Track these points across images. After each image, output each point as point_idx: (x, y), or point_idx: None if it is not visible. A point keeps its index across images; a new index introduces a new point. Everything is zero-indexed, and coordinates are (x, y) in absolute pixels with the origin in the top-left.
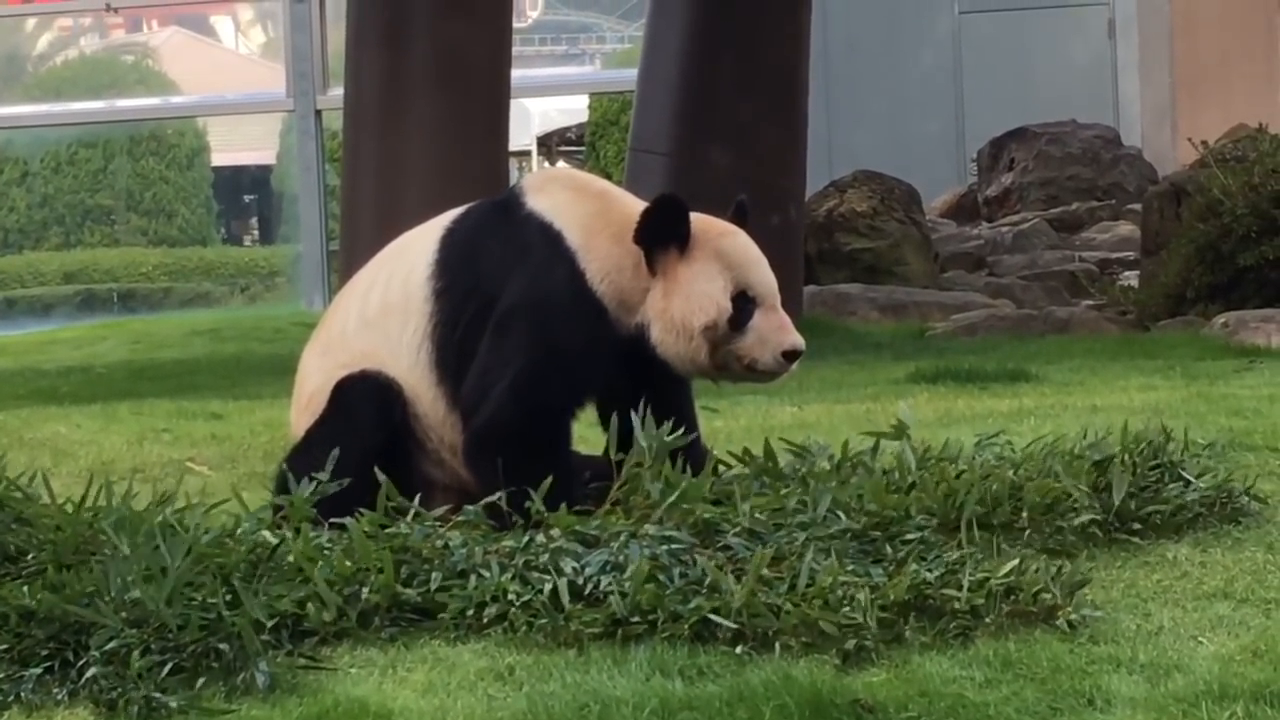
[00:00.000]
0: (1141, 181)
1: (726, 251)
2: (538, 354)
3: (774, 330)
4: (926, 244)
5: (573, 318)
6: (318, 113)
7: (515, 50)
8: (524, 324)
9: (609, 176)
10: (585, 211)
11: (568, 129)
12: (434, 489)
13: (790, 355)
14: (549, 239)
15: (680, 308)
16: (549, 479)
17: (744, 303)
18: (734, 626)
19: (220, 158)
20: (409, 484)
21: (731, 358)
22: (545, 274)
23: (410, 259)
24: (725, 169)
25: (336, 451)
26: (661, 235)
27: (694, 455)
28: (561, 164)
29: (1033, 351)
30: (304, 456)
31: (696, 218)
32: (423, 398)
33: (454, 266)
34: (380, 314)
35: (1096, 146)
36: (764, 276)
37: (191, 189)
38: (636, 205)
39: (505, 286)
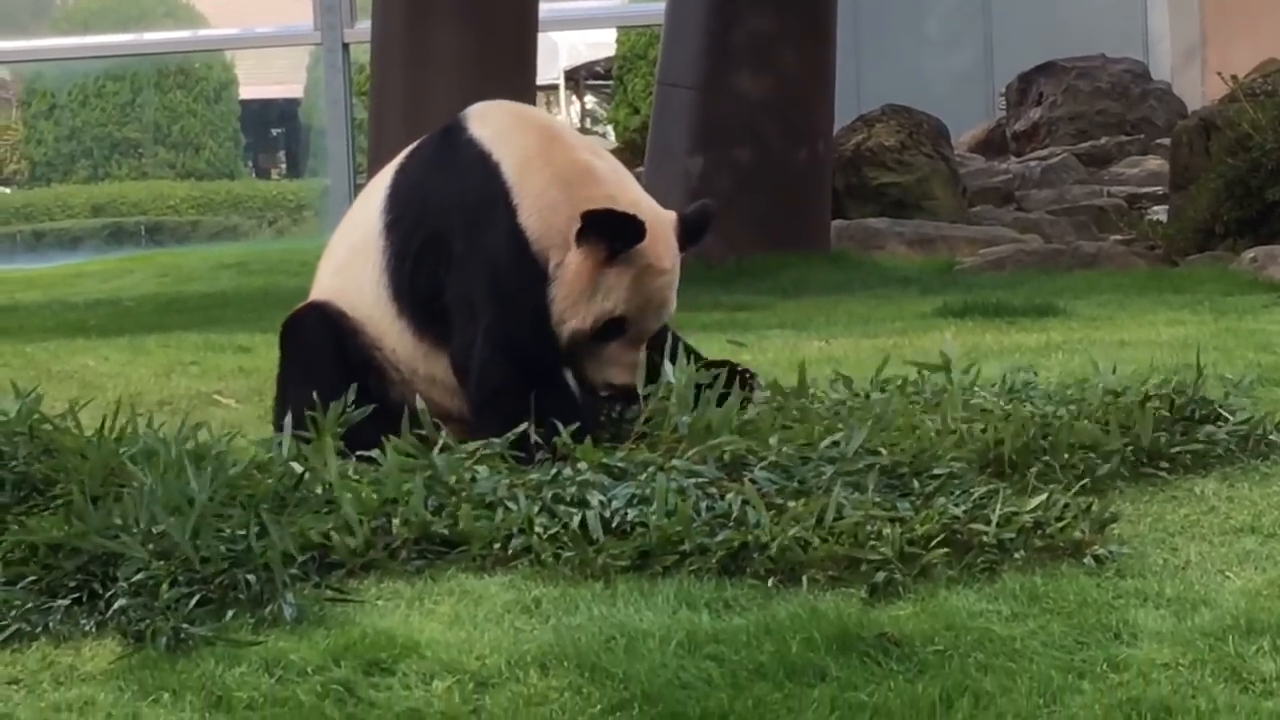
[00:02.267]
0: (1170, 116)
1: (642, 284)
2: (492, 305)
3: (617, 364)
4: (954, 178)
5: (515, 260)
6: (345, 46)
7: None
8: (478, 273)
9: (637, 111)
10: (525, 144)
11: (595, 63)
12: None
13: (609, 388)
14: (489, 170)
15: (571, 299)
16: (559, 418)
17: (613, 328)
18: (763, 561)
19: (248, 91)
20: (383, 413)
21: (580, 360)
22: (488, 212)
23: (370, 200)
24: (753, 103)
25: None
26: (604, 235)
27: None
28: (589, 98)
29: (1061, 286)
30: (279, 404)
31: (654, 236)
32: (388, 332)
33: (402, 199)
34: (348, 257)
35: (1125, 81)
36: (649, 319)
37: (219, 122)
38: (579, 148)
39: (452, 220)
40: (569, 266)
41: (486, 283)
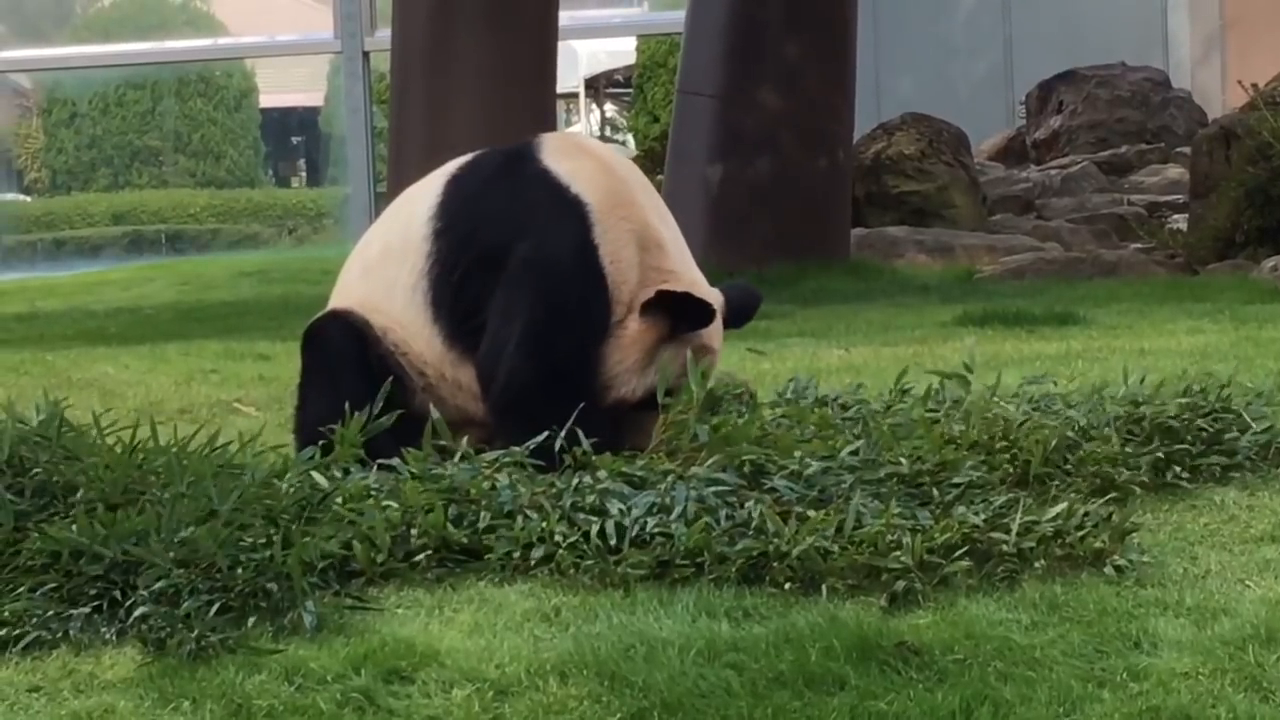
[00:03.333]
0: (1191, 124)
1: (692, 363)
2: (542, 312)
3: (644, 431)
4: (974, 187)
5: (579, 277)
6: (365, 54)
7: None
8: (531, 282)
9: (656, 119)
10: (608, 188)
11: (615, 71)
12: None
13: (633, 447)
14: (567, 201)
15: (625, 366)
16: (583, 429)
17: (652, 400)
18: (783, 569)
19: (268, 99)
20: (404, 420)
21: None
22: (558, 233)
23: (413, 206)
24: (773, 111)
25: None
26: (675, 316)
27: None
28: (609, 106)
29: (1080, 294)
30: (300, 412)
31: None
32: (417, 336)
33: (456, 210)
34: (380, 259)
35: (1146, 89)
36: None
37: (239, 131)
38: (649, 209)
39: (512, 240)
40: (629, 331)
41: (538, 295)
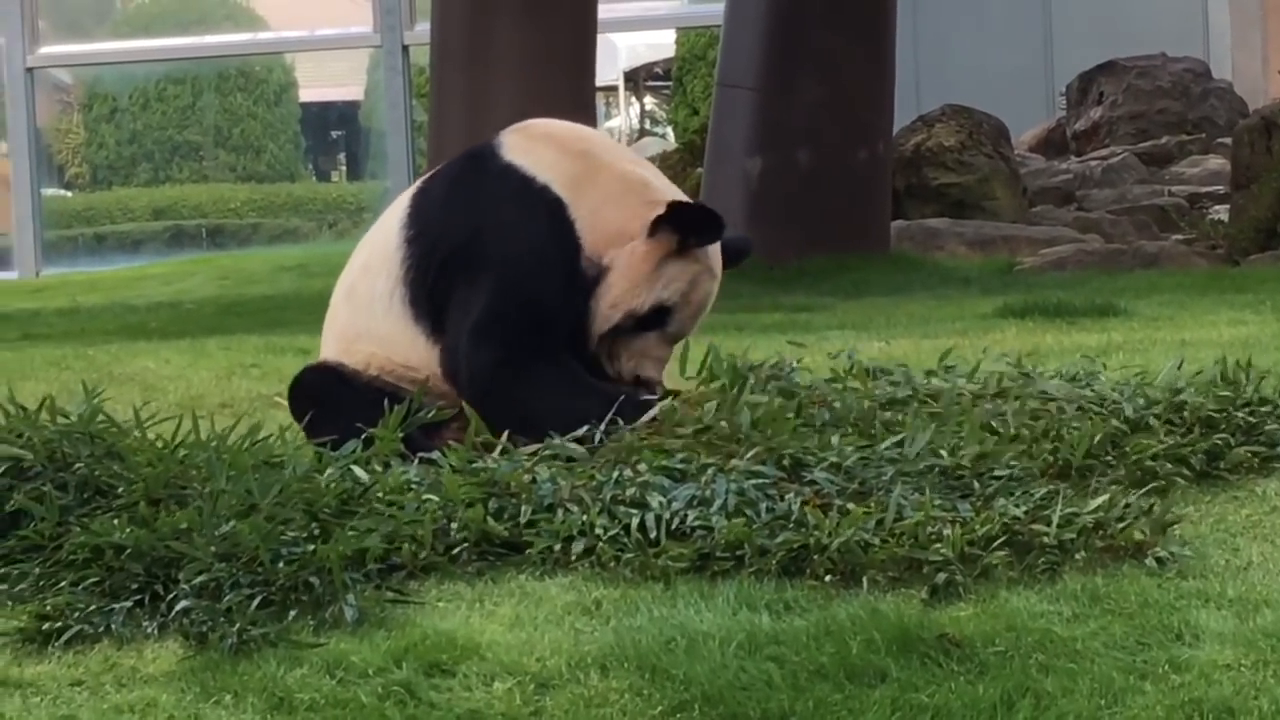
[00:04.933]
0: (1232, 115)
1: (696, 283)
2: (498, 301)
3: (651, 356)
4: (1015, 178)
5: (539, 264)
6: (404, 48)
7: None
8: (489, 273)
9: (696, 112)
10: (568, 164)
11: (654, 64)
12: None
13: (637, 381)
14: (531, 191)
15: (632, 282)
16: (552, 411)
17: (658, 318)
18: (825, 559)
19: (308, 94)
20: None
21: (615, 348)
22: (518, 224)
23: (387, 222)
24: (812, 103)
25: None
26: (683, 228)
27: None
28: (649, 99)
29: (1121, 286)
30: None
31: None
32: (400, 343)
33: (426, 216)
34: (361, 276)
35: (1186, 80)
36: (690, 320)
37: (279, 125)
38: (626, 163)
39: (476, 235)
40: (633, 253)
41: (495, 285)
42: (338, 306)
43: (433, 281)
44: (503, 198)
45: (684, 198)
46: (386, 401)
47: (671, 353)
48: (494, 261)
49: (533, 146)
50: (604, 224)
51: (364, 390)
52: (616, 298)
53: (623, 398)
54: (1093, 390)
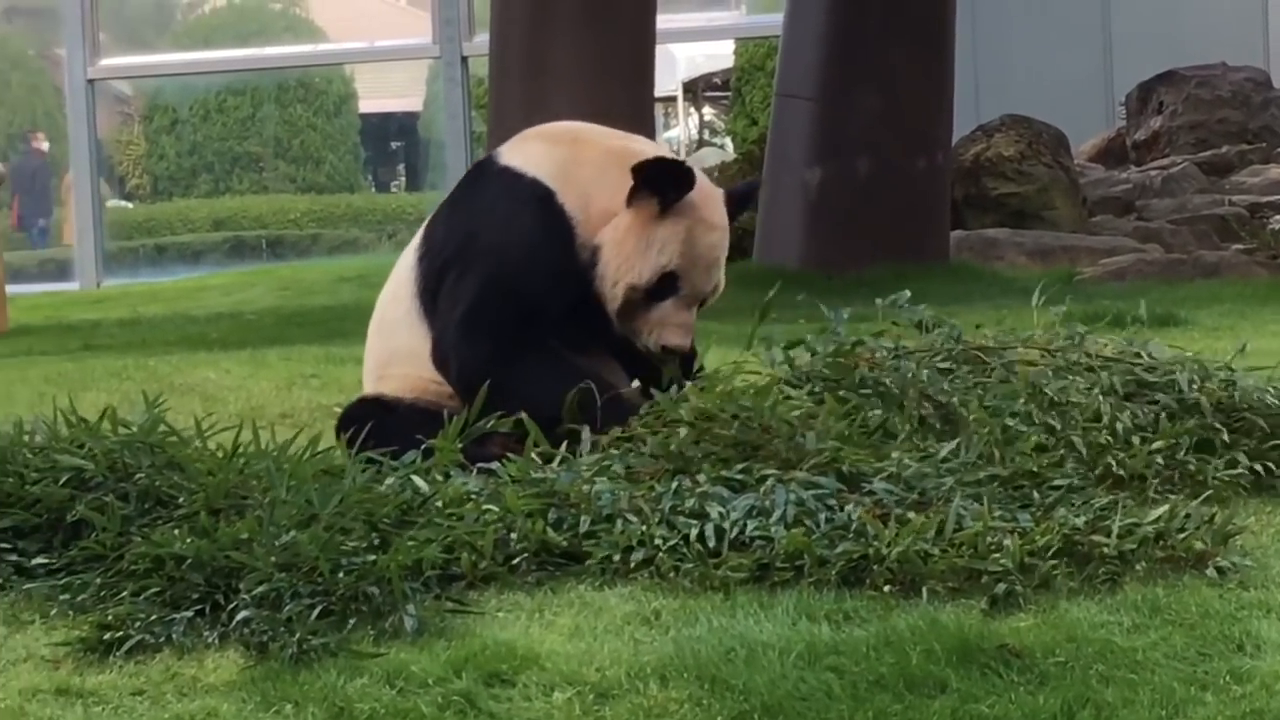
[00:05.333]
0: None
1: (694, 239)
2: (486, 290)
3: (671, 324)
4: (1074, 188)
5: (529, 245)
6: (463, 59)
7: None
8: (477, 262)
9: (755, 123)
10: (557, 152)
11: (713, 74)
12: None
13: (667, 350)
14: (521, 186)
15: (624, 255)
16: (540, 401)
17: (667, 284)
18: (885, 569)
19: (367, 105)
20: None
21: (634, 323)
22: (507, 216)
23: (406, 252)
24: (871, 113)
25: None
26: (656, 185)
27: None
28: (707, 110)
29: (1182, 296)
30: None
31: (703, 194)
32: (423, 355)
33: (431, 233)
34: (387, 305)
35: (1247, 89)
36: (703, 277)
37: (339, 136)
38: (614, 138)
39: (473, 235)
40: (619, 228)
41: (482, 274)
42: (371, 339)
43: (435, 287)
44: (495, 197)
45: (664, 154)
46: (427, 419)
47: (694, 314)
48: (481, 254)
49: (524, 146)
50: (593, 204)
51: (407, 414)
52: (615, 275)
53: (606, 398)
54: (1147, 357)
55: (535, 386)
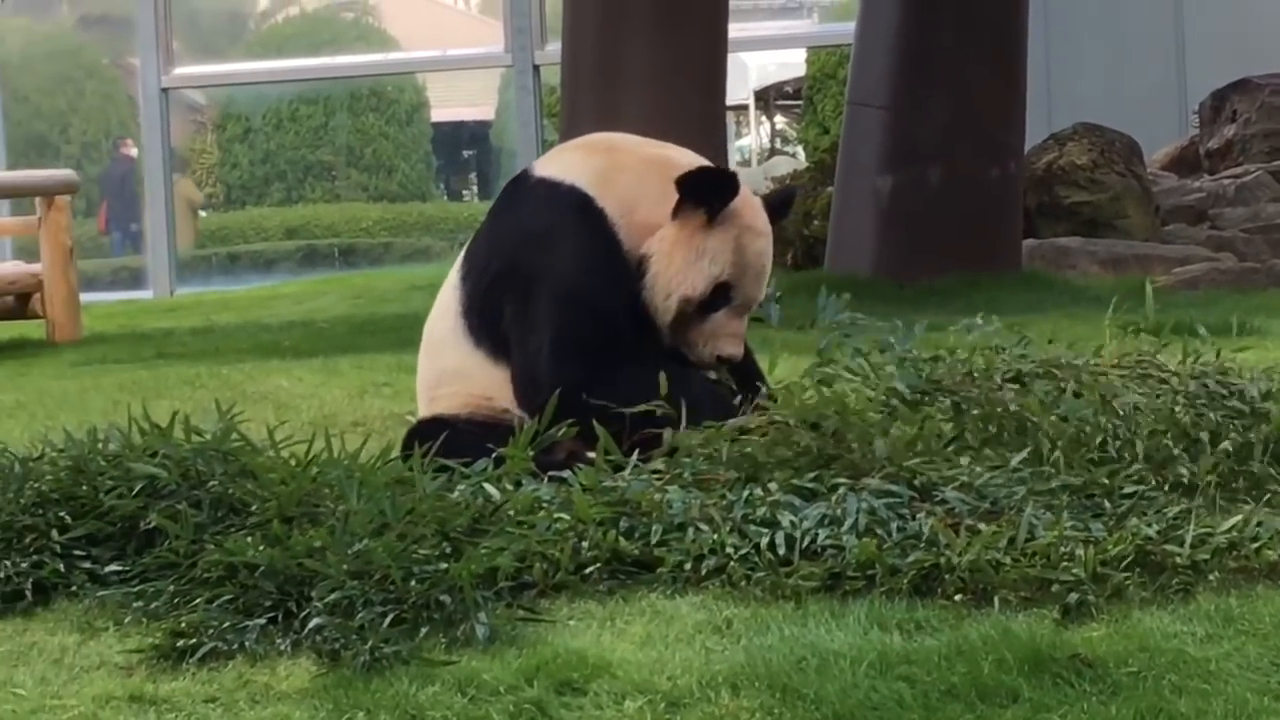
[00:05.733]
0: None
1: (743, 247)
2: (559, 309)
3: (725, 334)
4: (1147, 197)
5: (584, 257)
6: (535, 68)
7: (732, 4)
8: (540, 283)
9: (826, 131)
10: (594, 160)
11: (785, 83)
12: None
13: (721, 360)
14: (560, 194)
15: (676, 267)
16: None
17: (720, 294)
18: (957, 579)
19: (439, 113)
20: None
21: (687, 335)
22: (559, 227)
23: (450, 272)
24: (944, 122)
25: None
26: (701, 195)
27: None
28: (779, 118)
29: (1255, 305)
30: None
31: (745, 201)
32: (471, 372)
33: (473, 250)
34: (432, 325)
35: None
36: (754, 285)
37: (411, 145)
38: (650, 146)
39: (520, 247)
40: (665, 240)
41: (556, 291)
42: (420, 361)
43: (481, 304)
44: (535, 207)
45: (704, 162)
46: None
47: (746, 323)
48: (540, 269)
49: (560, 156)
50: (635, 211)
51: (467, 429)
52: (667, 288)
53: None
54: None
55: (639, 394)
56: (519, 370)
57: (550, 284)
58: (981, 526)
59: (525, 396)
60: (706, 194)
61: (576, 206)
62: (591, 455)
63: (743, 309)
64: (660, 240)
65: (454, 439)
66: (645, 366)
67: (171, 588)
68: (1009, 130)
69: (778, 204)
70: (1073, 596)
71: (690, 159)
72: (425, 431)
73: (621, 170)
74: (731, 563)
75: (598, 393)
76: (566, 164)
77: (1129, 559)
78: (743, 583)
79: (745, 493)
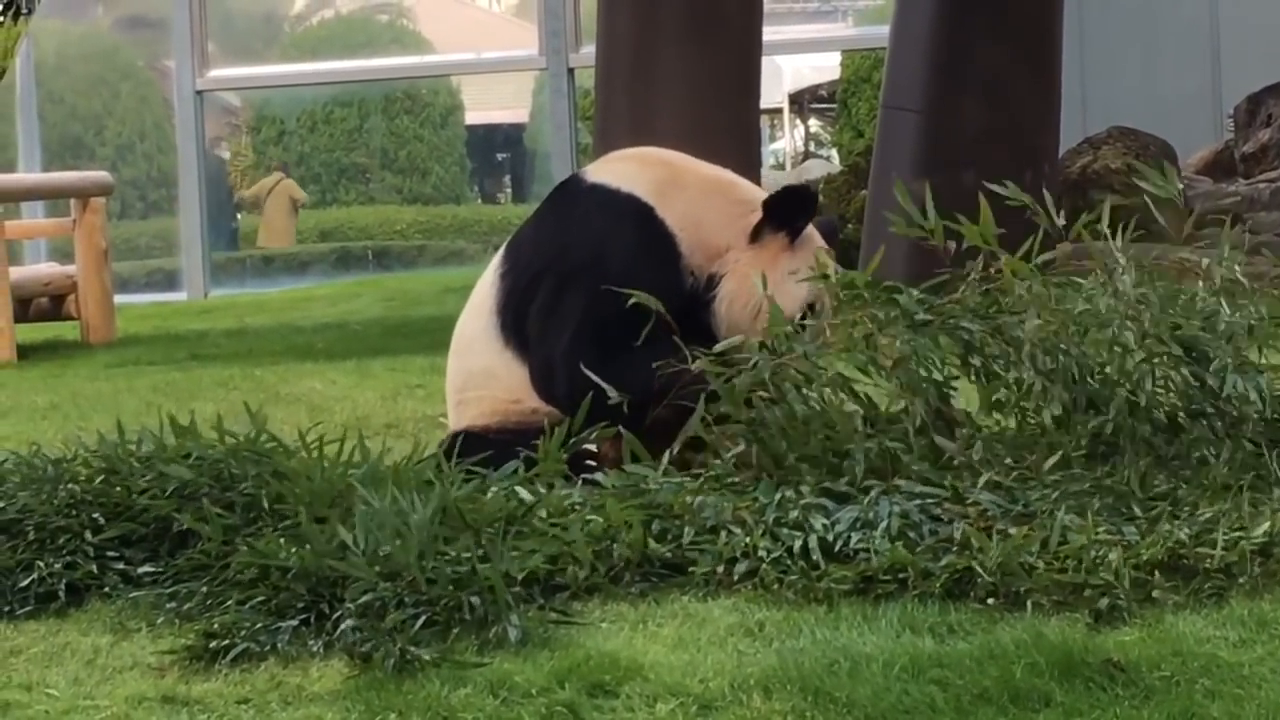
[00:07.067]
0: None
1: (823, 266)
2: (596, 306)
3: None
4: (1181, 201)
5: (636, 260)
6: (570, 71)
7: (767, 7)
8: (579, 276)
9: (861, 135)
10: (652, 172)
11: (819, 86)
12: None
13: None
14: (618, 201)
15: (774, 292)
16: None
17: (806, 314)
18: (989, 582)
19: (473, 116)
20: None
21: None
22: (610, 227)
23: (486, 272)
24: (978, 126)
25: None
26: (787, 218)
27: None
28: (813, 122)
29: None
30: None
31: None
32: (499, 373)
33: (516, 250)
34: (465, 321)
35: None
36: (826, 301)
37: (445, 147)
38: (704, 166)
39: (568, 249)
40: (742, 264)
41: (589, 284)
42: (450, 361)
43: (517, 302)
44: (589, 212)
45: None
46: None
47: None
48: (583, 268)
49: (614, 166)
50: (698, 226)
51: (497, 442)
52: (758, 313)
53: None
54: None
55: (634, 372)
56: (537, 360)
57: (591, 280)
58: (1013, 530)
59: (543, 384)
60: (794, 214)
61: (635, 214)
62: (592, 448)
63: (820, 319)
64: (734, 264)
65: (484, 452)
66: (650, 345)
67: (204, 589)
68: (1043, 134)
69: (827, 232)
70: (1105, 600)
71: (747, 185)
72: (453, 444)
73: (684, 187)
74: (764, 566)
75: (597, 370)
76: (622, 173)
77: (1162, 562)
78: (775, 586)
79: (777, 496)
